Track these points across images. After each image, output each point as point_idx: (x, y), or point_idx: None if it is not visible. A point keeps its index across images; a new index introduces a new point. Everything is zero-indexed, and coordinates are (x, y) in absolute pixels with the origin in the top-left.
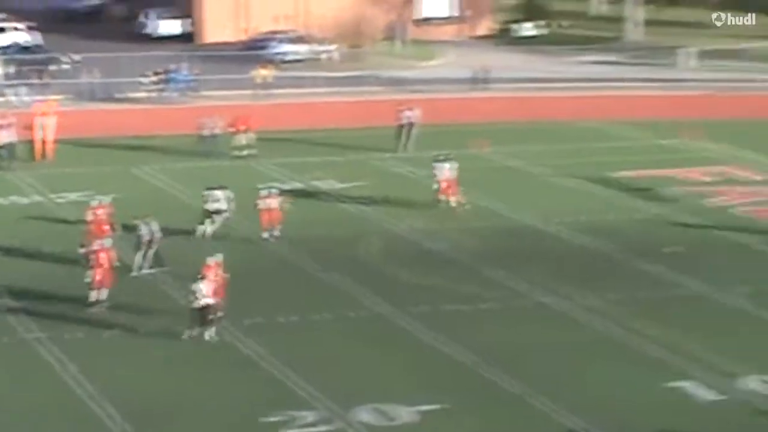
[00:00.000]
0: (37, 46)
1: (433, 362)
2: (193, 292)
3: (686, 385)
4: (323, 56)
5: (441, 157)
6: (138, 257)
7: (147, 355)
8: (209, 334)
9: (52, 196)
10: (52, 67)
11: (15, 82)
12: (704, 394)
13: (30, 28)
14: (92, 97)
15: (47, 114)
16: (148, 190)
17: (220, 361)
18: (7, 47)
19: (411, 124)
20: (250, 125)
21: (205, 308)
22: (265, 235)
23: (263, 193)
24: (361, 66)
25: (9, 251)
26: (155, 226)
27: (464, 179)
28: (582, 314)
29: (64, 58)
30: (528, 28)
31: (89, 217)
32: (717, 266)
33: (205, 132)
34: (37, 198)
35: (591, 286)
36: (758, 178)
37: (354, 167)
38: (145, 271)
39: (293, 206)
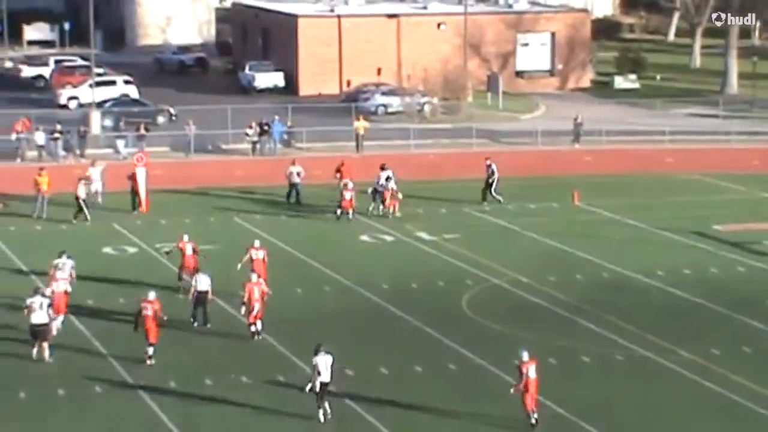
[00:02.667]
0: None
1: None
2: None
3: None
4: (426, 108)
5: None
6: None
7: None
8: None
9: (157, 245)
10: (161, 119)
11: (119, 133)
12: None
13: (126, 82)
14: (188, 149)
15: (138, 165)
16: (248, 239)
17: None
18: (118, 99)
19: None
20: (350, 175)
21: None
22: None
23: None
24: (458, 118)
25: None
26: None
27: (564, 231)
28: (682, 369)
29: (172, 110)
30: (626, 81)
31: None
32: None
33: (294, 180)
34: (134, 249)
35: (692, 341)
36: None
37: (447, 218)
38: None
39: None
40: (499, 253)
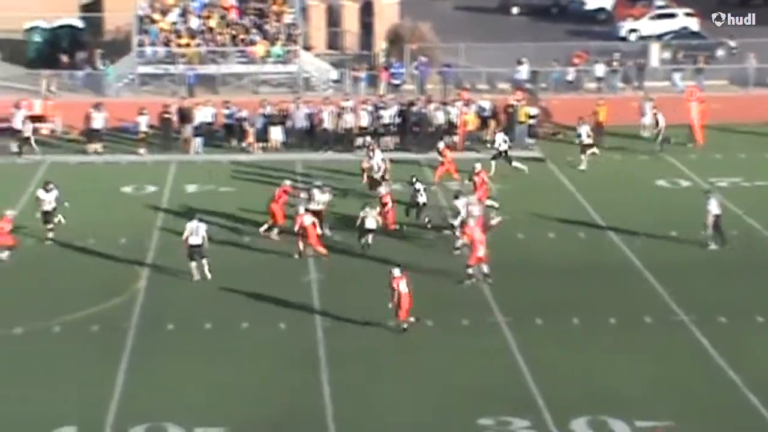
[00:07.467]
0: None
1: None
2: None
3: None
4: None
5: None
6: None
7: None
8: None
9: (711, 180)
10: (720, 52)
11: (677, 66)
12: None
13: (687, 15)
14: (747, 83)
15: (690, 100)
16: None
17: None
18: (677, 32)
19: None
20: None
21: None
22: None
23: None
24: None
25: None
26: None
27: None
28: None
29: (732, 43)
30: None
31: None
32: None
33: None
34: (687, 183)
35: None
36: None
37: None
38: None
39: None
40: None
